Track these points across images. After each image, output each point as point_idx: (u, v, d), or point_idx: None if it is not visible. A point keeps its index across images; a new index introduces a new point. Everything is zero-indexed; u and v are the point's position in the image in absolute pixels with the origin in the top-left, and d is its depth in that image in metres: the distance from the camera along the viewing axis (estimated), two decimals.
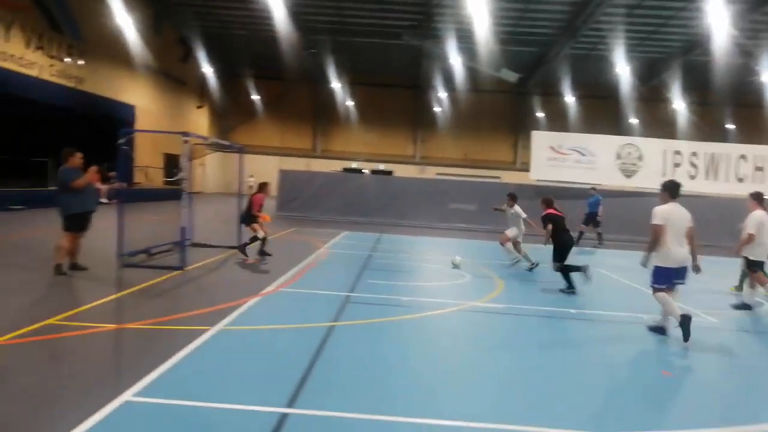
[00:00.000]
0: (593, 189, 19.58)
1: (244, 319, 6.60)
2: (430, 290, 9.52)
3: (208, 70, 37.22)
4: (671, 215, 6.87)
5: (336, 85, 39.01)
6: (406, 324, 6.99)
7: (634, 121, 38.35)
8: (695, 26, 27.34)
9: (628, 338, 7.10)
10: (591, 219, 18.69)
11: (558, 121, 37.49)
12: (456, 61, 30.70)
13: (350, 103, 41.41)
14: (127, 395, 4.16)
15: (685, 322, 6.54)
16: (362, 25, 31.92)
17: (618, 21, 27.77)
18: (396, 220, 22.66)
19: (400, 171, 39.74)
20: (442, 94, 39.59)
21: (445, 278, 10.63)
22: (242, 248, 11.31)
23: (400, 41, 30.17)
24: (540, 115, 40.15)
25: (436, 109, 41.60)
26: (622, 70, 31.56)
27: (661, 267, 6.91)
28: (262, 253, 11.21)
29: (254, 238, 11.22)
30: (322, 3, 29.15)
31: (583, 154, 22.11)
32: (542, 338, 6.81)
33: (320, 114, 43.27)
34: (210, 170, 38.54)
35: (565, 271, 9.77)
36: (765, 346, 7.55)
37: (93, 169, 8.97)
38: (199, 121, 39.18)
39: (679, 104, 36.76)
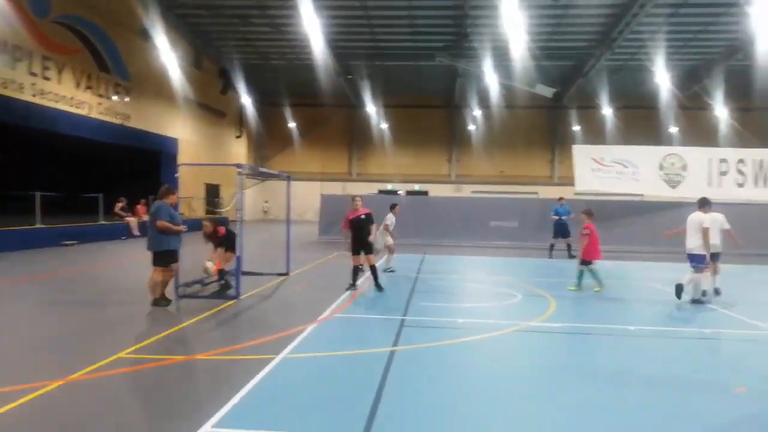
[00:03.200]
0: (561, 198, 19.41)
1: (306, 346, 6.68)
2: (484, 311, 9.47)
3: (246, 100, 38.11)
4: (689, 220, 10.45)
5: (371, 108, 39.43)
6: (467, 347, 6.94)
7: (674, 130, 37.57)
8: (736, 31, 26.86)
9: (691, 353, 6.94)
10: (561, 230, 18.42)
11: (596, 134, 36.95)
12: (490, 79, 30.70)
13: (385, 125, 41.75)
14: (207, 427, 4.25)
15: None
16: (396, 48, 32.32)
17: (655, 30, 27.43)
18: (437, 240, 22.62)
19: (436, 191, 39.72)
20: (477, 112, 39.56)
21: (496, 298, 10.55)
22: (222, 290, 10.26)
23: (434, 62, 30.39)
24: (577, 128, 39.70)
25: (471, 127, 41.56)
26: (661, 78, 31.02)
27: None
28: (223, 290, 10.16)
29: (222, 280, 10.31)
30: (357, 30, 29.65)
31: (626, 166, 21.75)
32: (604, 358, 6.69)
33: (356, 138, 43.74)
34: (248, 199, 39.24)
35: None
36: None
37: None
38: (239, 151, 40.06)
39: (721, 111, 35.88)
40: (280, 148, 44.01)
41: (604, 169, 21.85)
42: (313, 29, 23.46)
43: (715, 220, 11.08)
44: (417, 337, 7.28)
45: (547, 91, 30.16)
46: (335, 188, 38.51)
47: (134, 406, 4.84)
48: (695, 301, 10.20)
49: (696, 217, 10.35)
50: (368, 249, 10.71)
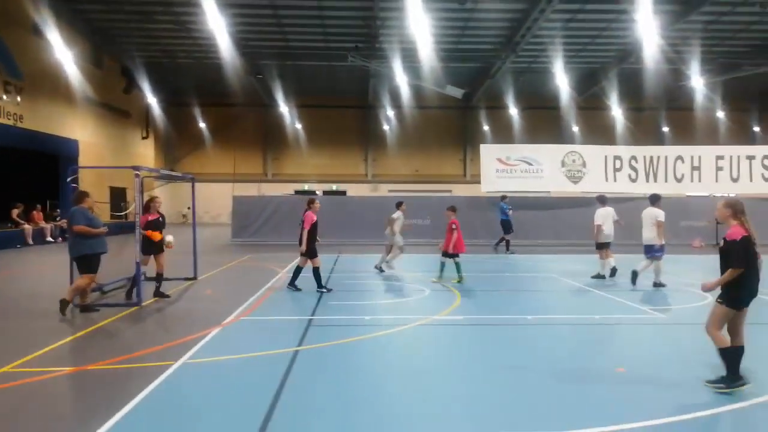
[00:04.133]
0: (505, 197, 20.33)
1: (207, 351, 6.57)
2: (391, 307, 9.66)
3: (152, 100, 36.65)
4: (644, 214, 11.30)
5: (284, 108, 39.03)
6: (369, 343, 7.08)
7: (576, 129, 39.69)
8: (627, 36, 28.62)
9: (582, 339, 7.41)
10: (506, 226, 19.51)
11: (504, 133, 38.48)
12: (402, 79, 31.20)
13: (299, 125, 41.50)
14: None
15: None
16: (307, 49, 32.12)
17: (555, 34, 28.82)
18: (352, 240, 22.75)
19: (353, 190, 39.95)
20: (391, 112, 40.11)
21: (405, 294, 10.78)
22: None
23: (346, 63, 30.51)
24: (486, 128, 41.11)
25: (386, 127, 42.10)
26: (562, 81, 32.69)
27: None
28: (159, 294, 9.97)
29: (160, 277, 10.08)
30: (266, 29, 29.23)
31: (530, 164, 22.79)
32: (500, 347, 7.02)
33: (270, 138, 43.21)
34: (162, 202, 37.65)
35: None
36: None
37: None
38: (146, 153, 38.42)
39: (616, 111, 38.29)
40: (191, 149, 42.78)
41: (509, 168, 22.77)
42: (219, 28, 22.91)
43: (609, 214, 12.15)
44: (323, 336, 7.32)
45: (456, 92, 31.00)
46: (250, 189, 37.82)
47: (15, 423, 4.58)
48: (657, 285, 11.21)
49: (650, 212, 11.20)
50: None
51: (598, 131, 37.66)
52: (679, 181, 23.47)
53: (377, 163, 44.21)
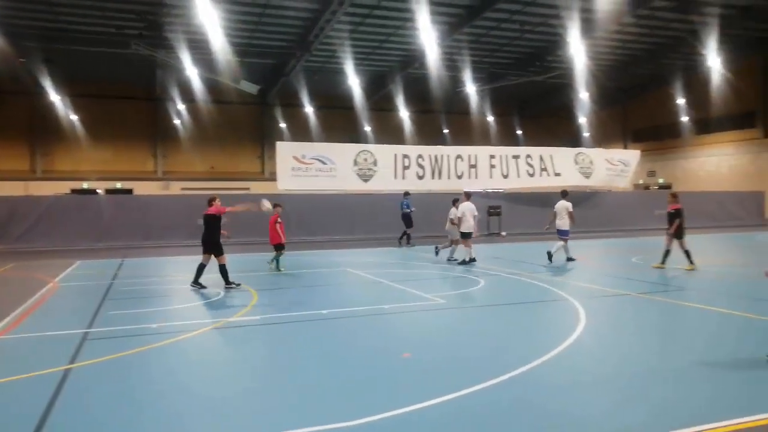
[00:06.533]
0: (408, 194, 21.46)
1: None
2: (182, 313, 9.19)
3: None
4: (557, 206, 14.14)
5: (56, 97, 34.67)
6: (155, 353, 6.62)
7: (368, 129, 41.55)
8: (411, 43, 30.66)
9: (373, 329, 7.80)
10: (407, 220, 20.60)
11: (301, 132, 38.77)
12: (193, 72, 29.74)
13: (75, 117, 37.20)
14: None
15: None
16: (82, 32, 28.90)
17: (345, 37, 29.79)
18: (140, 242, 21.23)
19: (141, 188, 37.09)
20: (182, 106, 37.99)
21: (197, 298, 10.31)
22: None
23: (130, 50, 28.15)
24: (284, 125, 41.08)
25: (177, 121, 39.79)
26: (353, 82, 33.96)
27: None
28: None
29: None
30: (31, 6, 25.72)
31: (325, 163, 23.28)
32: (291, 344, 7.06)
33: (39, 131, 38.06)
34: None
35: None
36: (484, 318, 8.85)
37: None
38: None
39: (404, 113, 40.92)
40: None
41: (304, 167, 23.00)
42: None
43: (471, 208, 14.07)
44: (101, 350, 6.67)
45: (251, 88, 30.48)
46: (15, 189, 33.05)
47: None
48: (570, 259, 13.97)
49: (563, 204, 14.05)
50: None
51: (389, 131, 39.81)
52: (459, 177, 25.83)
53: (168, 160, 41.60)
